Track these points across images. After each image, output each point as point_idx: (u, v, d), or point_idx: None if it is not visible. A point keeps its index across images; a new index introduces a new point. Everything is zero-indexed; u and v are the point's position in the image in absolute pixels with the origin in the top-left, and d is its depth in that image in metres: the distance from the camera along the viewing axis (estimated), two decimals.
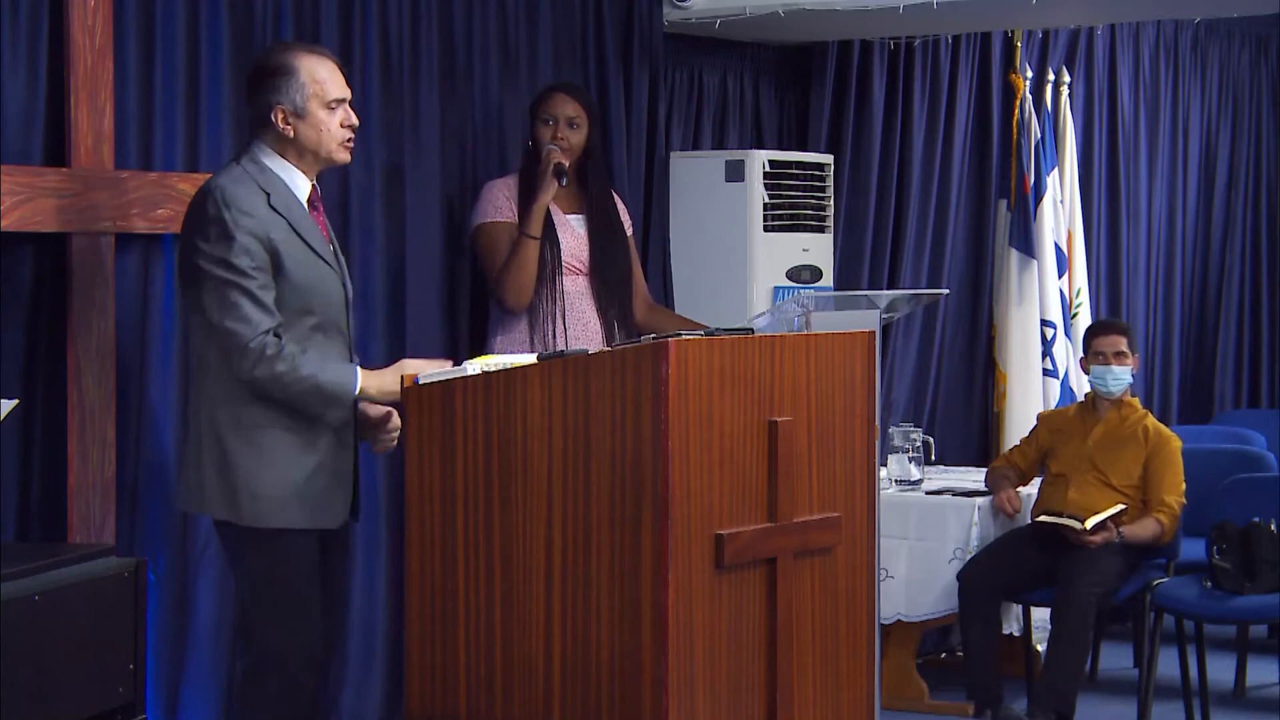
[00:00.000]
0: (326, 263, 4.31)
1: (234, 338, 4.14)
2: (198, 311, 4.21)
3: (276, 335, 4.17)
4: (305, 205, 4.31)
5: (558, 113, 5.67)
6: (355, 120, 4.36)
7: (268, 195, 4.22)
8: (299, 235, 4.24)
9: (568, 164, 5.60)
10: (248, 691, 4.32)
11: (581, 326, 5.62)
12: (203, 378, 4.27)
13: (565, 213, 5.70)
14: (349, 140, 4.34)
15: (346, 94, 4.35)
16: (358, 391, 4.26)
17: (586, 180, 5.74)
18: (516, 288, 5.56)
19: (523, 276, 5.55)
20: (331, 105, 4.30)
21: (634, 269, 5.88)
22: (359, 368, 4.29)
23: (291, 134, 4.27)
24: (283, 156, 4.29)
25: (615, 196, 5.88)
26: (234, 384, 4.21)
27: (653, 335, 4.29)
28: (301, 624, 4.30)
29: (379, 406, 4.42)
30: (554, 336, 5.56)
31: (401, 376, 4.28)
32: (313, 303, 4.27)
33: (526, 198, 5.60)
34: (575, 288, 5.65)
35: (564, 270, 5.63)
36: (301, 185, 4.31)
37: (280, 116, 4.26)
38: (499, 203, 5.64)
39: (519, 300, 5.57)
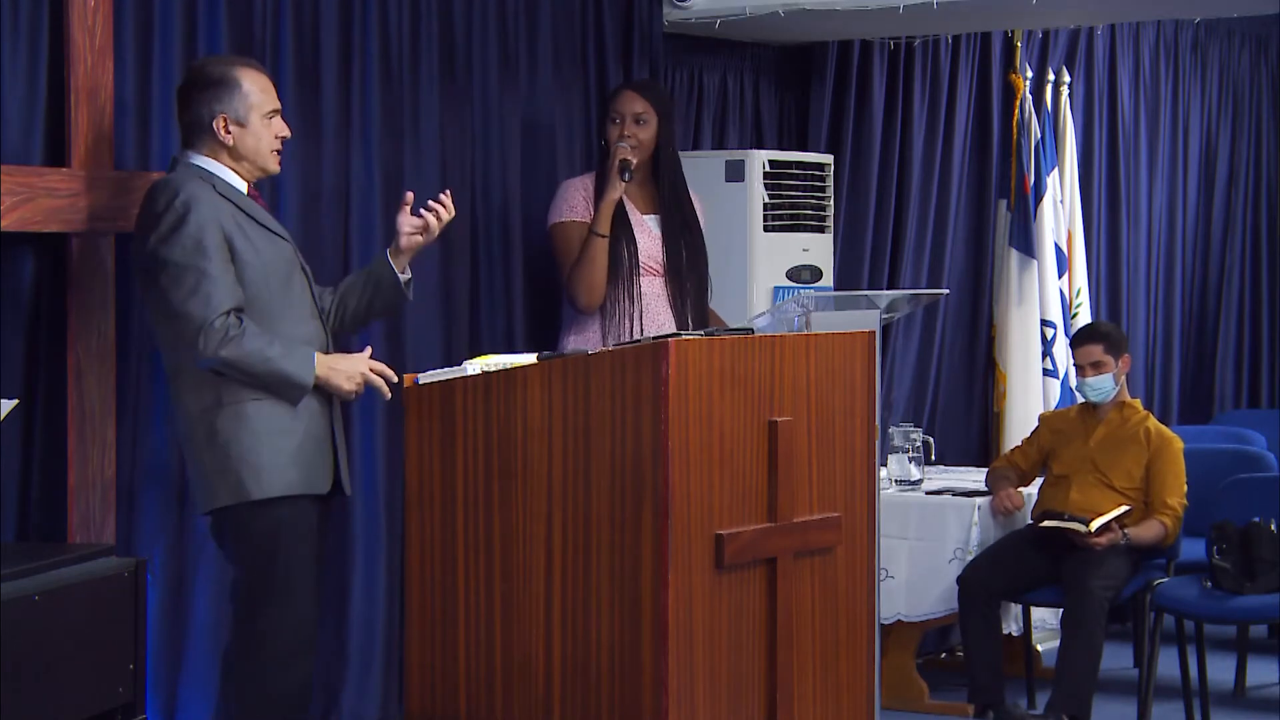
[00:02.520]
0: (282, 237, 4.48)
1: (193, 320, 4.26)
2: (161, 309, 4.33)
3: (238, 316, 4.29)
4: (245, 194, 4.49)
5: (624, 110, 5.68)
6: (287, 132, 4.54)
7: (212, 185, 4.39)
8: (250, 215, 4.41)
9: (635, 161, 5.61)
10: (240, 672, 4.38)
11: (657, 329, 5.60)
12: (179, 379, 4.40)
13: (642, 213, 5.70)
14: (278, 151, 4.52)
15: (279, 106, 4.54)
16: (313, 381, 4.37)
17: (660, 177, 5.74)
18: (587, 287, 5.55)
19: (593, 275, 5.54)
20: (268, 116, 4.48)
21: (707, 268, 5.86)
22: (316, 354, 4.39)
23: (231, 141, 4.44)
24: (216, 160, 4.45)
25: (692, 193, 5.86)
26: (200, 373, 4.35)
27: (653, 336, 4.29)
28: (295, 604, 4.35)
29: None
30: (630, 338, 5.54)
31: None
32: (277, 278, 4.41)
33: (600, 196, 5.60)
34: (651, 289, 5.65)
35: (641, 271, 5.62)
36: (238, 182, 4.47)
37: (222, 124, 4.43)
38: (574, 202, 5.65)
39: (590, 300, 5.56)
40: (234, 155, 4.43)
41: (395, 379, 4.50)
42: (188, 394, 4.38)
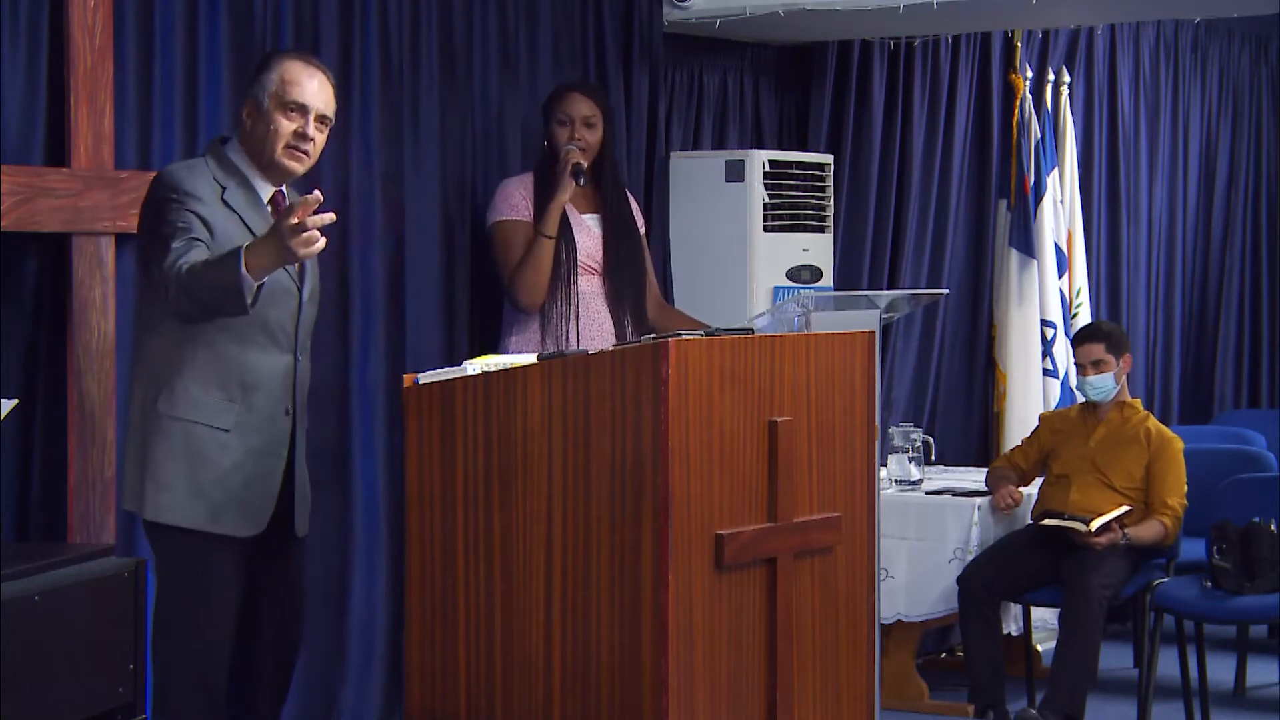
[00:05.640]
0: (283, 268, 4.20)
1: (152, 277, 4.06)
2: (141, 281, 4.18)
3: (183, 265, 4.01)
4: (267, 206, 4.27)
5: (574, 113, 5.66)
6: (311, 132, 4.25)
7: (222, 189, 4.19)
8: (252, 233, 4.16)
9: (586, 165, 5.60)
10: (158, 690, 4.25)
11: (596, 327, 5.61)
12: (137, 369, 4.25)
13: (581, 212, 5.70)
14: (297, 149, 4.25)
15: (313, 104, 4.25)
16: (244, 276, 3.90)
17: (602, 179, 5.74)
18: (530, 287, 5.55)
19: (537, 276, 5.54)
20: (289, 107, 4.23)
21: (647, 268, 5.87)
22: (241, 250, 3.92)
23: (249, 128, 4.26)
24: (247, 155, 4.27)
25: (629, 195, 5.87)
26: (158, 371, 4.17)
27: (653, 335, 4.28)
28: (189, 658, 4.19)
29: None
30: (567, 336, 5.55)
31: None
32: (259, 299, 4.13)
33: (543, 197, 5.59)
34: (590, 287, 5.64)
35: (579, 270, 5.62)
36: (263, 187, 4.28)
37: (247, 108, 4.27)
38: (514, 201, 5.64)
39: (533, 300, 5.56)
40: (253, 148, 4.25)
41: (320, 200, 3.93)
42: (137, 384, 4.24)
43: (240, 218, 4.20)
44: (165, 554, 4.24)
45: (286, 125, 4.24)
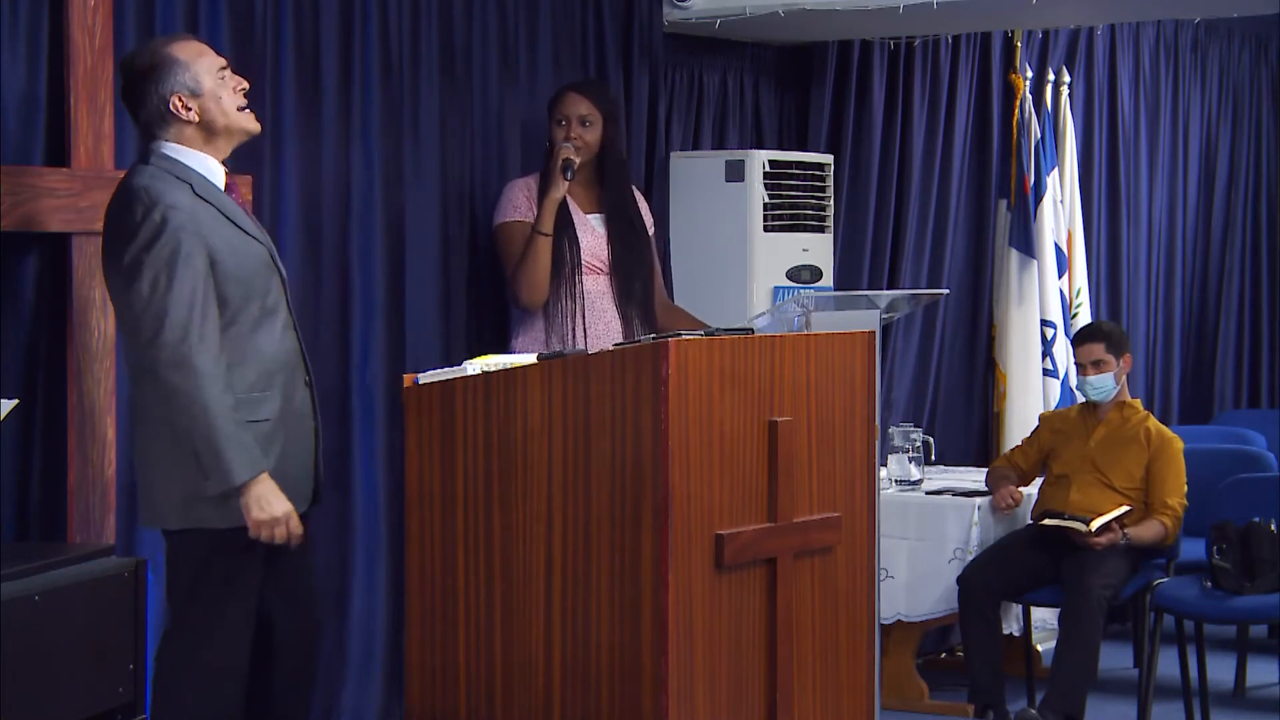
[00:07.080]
0: (259, 240, 4.23)
1: (157, 324, 4.05)
2: (133, 311, 4.10)
3: (205, 342, 4.06)
4: (223, 190, 4.24)
5: (569, 112, 5.69)
6: (245, 83, 4.28)
7: (190, 185, 4.15)
8: (228, 218, 4.17)
9: (578, 161, 5.61)
10: (167, 690, 4.23)
11: (603, 326, 5.62)
12: (142, 383, 4.17)
13: (585, 212, 5.71)
14: (246, 104, 4.26)
15: (225, 61, 4.27)
16: (239, 482, 4.05)
17: (605, 177, 5.74)
18: (529, 285, 5.56)
19: (535, 273, 5.55)
20: (220, 74, 4.22)
21: (654, 267, 5.87)
22: (265, 473, 4.08)
23: (197, 117, 4.19)
24: (188, 146, 4.21)
25: (637, 194, 5.88)
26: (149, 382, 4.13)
27: (653, 335, 4.29)
28: (239, 633, 4.20)
29: None
30: (574, 336, 5.56)
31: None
32: (253, 287, 4.17)
33: (542, 196, 5.61)
34: (596, 287, 5.65)
35: (584, 269, 5.63)
36: (216, 171, 4.23)
37: (180, 103, 4.18)
38: (518, 201, 5.65)
39: (533, 298, 5.57)
40: (206, 131, 4.19)
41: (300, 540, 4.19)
42: (156, 400, 4.13)
43: (215, 207, 4.16)
44: (200, 560, 4.18)
45: (226, 88, 4.23)
